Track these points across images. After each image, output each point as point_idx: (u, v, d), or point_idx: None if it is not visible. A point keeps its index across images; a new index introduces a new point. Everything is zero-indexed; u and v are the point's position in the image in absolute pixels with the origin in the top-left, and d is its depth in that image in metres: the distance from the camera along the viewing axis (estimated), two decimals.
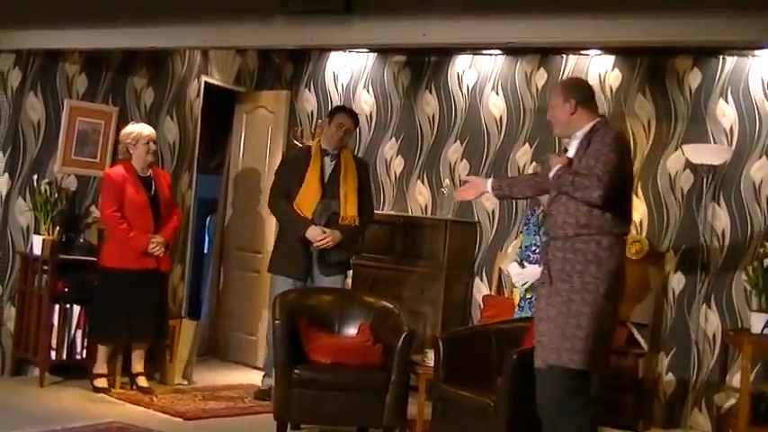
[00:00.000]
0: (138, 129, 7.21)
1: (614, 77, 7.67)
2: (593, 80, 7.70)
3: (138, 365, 7.26)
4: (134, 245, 7.01)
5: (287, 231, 7.23)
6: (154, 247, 7.05)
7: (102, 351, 7.16)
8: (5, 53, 7.27)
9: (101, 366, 7.15)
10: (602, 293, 4.86)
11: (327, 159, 7.21)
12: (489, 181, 5.48)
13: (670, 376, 7.28)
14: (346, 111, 7.40)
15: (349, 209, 7.13)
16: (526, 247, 6.58)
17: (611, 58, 7.69)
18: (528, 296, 6.47)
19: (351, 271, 7.62)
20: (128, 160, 7.18)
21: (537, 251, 6.39)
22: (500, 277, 7.84)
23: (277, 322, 6.19)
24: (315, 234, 6.99)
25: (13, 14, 6.92)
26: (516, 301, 6.71)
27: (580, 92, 5.10)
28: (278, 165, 7.60)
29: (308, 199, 7.09)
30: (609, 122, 5.19)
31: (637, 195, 7.44)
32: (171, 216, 7.31)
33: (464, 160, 8.22)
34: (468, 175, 7.46)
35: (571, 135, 5.13)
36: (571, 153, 5.07)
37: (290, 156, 7.67)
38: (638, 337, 7.15)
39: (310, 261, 7.09)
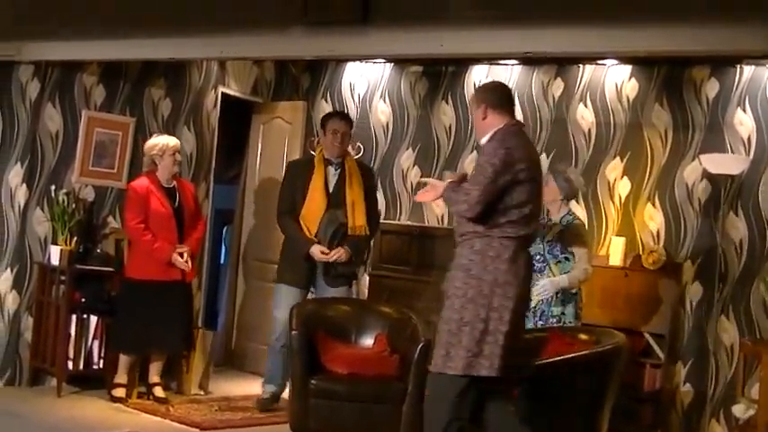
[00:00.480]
0: (165, 140, 7.26)
1: (631, 87, 7.66)
2: (610, 90, 7.71)
3: (155, 376, 7.29)
4: (158, 256, 7.05)
5: (292, 247, 7.19)
6: (183, 261, 7.10)
7: (123, 360, 7.19)
8: (24, 65, 7.32)
9: (121, 376, 7.18)
10: (469, 298, 4.83)
11: (331, 169, 7.18)
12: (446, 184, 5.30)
13: (687, 387, 7.24)
14: (337, 115, 7.42)
15: (357, 218, 7.10)
16: (533, 255, 6.57)
17: (627, 68, 7.67)
18: (533, 306, 6.44)
19: (357, 280, 7.61)
20: (152, 172, 7.22)
21: (542, 260, 6.38)
22: None
23: (294, 333, 6.20)
24: (317, 254, 6.98)
25: (31, 26, 6.97)
26: None
27: (492, 96, 5.09)
28: (283, 175, 7.58)
29: (313, 210, 7.07)
30: (518, 128, 5.12)
31: (654, 205, 7.43)
32: (196, 226, 7.35)
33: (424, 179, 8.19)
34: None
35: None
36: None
37: (293, 165, 7.59)
38: (655, 347, 7.13)
39: (314, 270, 7.08)
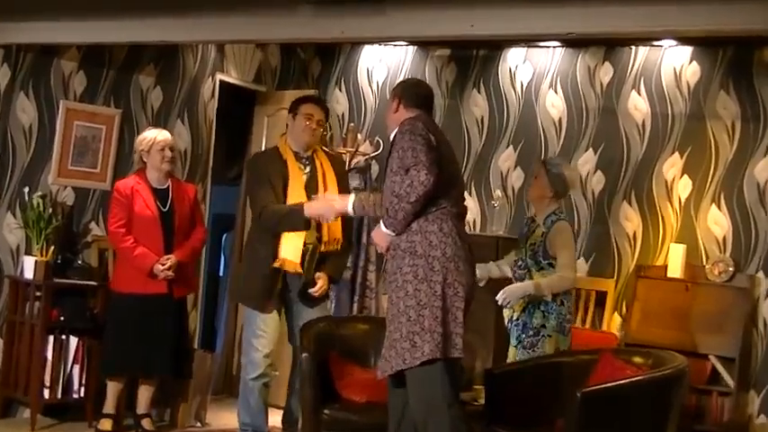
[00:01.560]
0: (153, 134, 7.23)
1: (692, 72, 7.64)
2: (667, 76, 7.69)
3: (143, 405, 7.27)
4: (139, 264, 7.00)
5: (262, 252, 6.53)
6: (164, 268, 7.04)
7: (111, 387, 7.18)
8: None
9: (109, 405, 7.17)
10: (422, 277, 5.20)
11: (300, 165, 6.63)
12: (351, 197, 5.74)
13: (762, 419, 7.21)
14: (311, 99, 7.01)
15: (333, 230, 6.55)
16: (514, 261, 6.60)
17: (688, 50, 7.65)
18: (515, 318, 6.45)
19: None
20: (142, 170, 7.22)
21: (523, 267, 6.45)
22: None
23: (304, 355, 6.18)
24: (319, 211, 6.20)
25: (0, 4, 6.98)
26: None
27: (408, 93, 5.59)
28: (248, 173, 6.93)
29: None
30: (427, 117, 5.51)
31: (719, 208, 7.41)
32: (190, 235, 7.28)
33: (518, 168, 8.22)
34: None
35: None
36: None
37: (260, 159, 6.88)
38: (724, 373, 7.09)
39: (286, 289, 6.60)
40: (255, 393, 6.66)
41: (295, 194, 6.49)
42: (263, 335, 6.60)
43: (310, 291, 6.58)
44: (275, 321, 6.66)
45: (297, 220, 6.35)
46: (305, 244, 6.49)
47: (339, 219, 6.44)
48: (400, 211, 5.19)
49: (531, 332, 6.37)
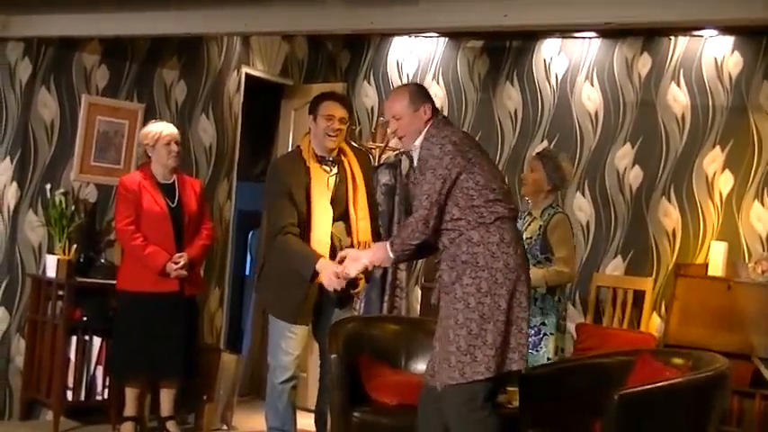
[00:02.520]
0: (158, 128, 7.20)
1: (734, 63, 7.59)
2: (708, 67, 7.65)
3: (166, 408, 7.28)
4: (150, 263, 6.98)
5: (292, 268, 6.29)
6: (177, 267, 7.03)
7: (129, 391, 7.21)
8: (13, 41, 7.37)
9: (129, 408, 7.20)
10: (485, 291, 5.14)
11: (326, 168, 6.41)
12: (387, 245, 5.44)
13: None
14: (333, 97, 6.60)
15: (362, 233, 6.43)
16: None
17: (729, 40, 7.61)
18: None
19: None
20: (147, 165, 7.21)
21: None
22: (597, 302, 7.79)
23: (333, 357, 6.18)
24: (330, 277, 5.99)
25: None
26: None
27: (427, 95, 5.49)
28: (268, 182, 6.61)
29: (323, 229, 6.32)
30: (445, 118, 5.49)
31: (762, 204, 7.36)
32: (199, 231, 7.29)
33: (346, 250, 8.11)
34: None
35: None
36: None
37: (283, 165, 6.57)
38: (767, 375, 7.05)
39: (320, 298, 6.39)
40: (284, 397, 6.59)
41: (319, 203, 6.33)
42: (292, 337, 6.50)
43: (353, 292, 6.52)
44: (299, 330, 6.52)
45: (306, 270, 6.18)
46: (340, 248, 6.29)
47: (368, 219, 6.48)
48: (419, 221, 5.22)
49: (531, 331, 6.36)
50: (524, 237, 6.44)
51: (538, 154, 6.85)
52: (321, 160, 6.41)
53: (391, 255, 5.36)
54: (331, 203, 6.36)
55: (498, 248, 5.16)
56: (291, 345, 6.51)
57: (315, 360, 7.36)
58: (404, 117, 5.36)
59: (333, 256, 6.12)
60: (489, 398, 5.19)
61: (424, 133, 5.33)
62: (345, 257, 5.65)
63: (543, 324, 6.43)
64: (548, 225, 6.47)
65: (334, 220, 6.37)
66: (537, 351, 6.39)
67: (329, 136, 6.35)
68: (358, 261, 5.52)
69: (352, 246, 6.31)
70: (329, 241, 6.32)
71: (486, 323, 5.11)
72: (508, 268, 5.15)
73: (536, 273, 6.33)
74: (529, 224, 6.54)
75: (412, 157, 5.55)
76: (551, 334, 6.41)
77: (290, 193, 6.26)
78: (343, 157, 6.48)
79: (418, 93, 5.47)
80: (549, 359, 6.40)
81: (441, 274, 5.31)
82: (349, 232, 6.44)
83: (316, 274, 6.13)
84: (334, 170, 6.44)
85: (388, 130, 5.50)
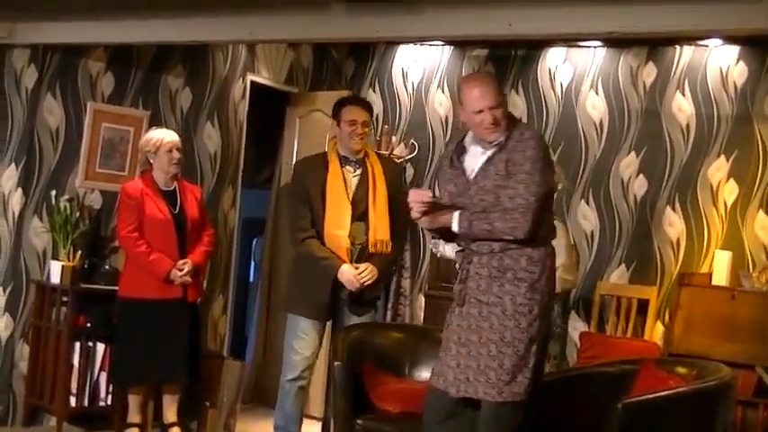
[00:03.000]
0: (160, 134, 7.20)
1: (739, 72, 7.59)
2: (713, 76, 7.65)
3: (170, 414, 7.28)
4: (155, 270, 6.99)
5: (314, 270, 6.63)
6: (182, 273, 7.04)
7: (132, 397, 7.22)
8: (19, 48, 7.39)
9: (133, 415, 7.20)
10: (536, 314, 5.01)
11: (350, 169, 6.68)
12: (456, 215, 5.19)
13: None
14: (353, 100, 6.95)
15: (379, 231, 6.61)
16: None
17: (734, 50, 7.61)
18: None
19: (380, 301, 7.49)
20: (148, 172, 7.21)
21: None
22: (600, 311, 7.79)
23: (337, 364, 6.18)
24: (352, 279, 6.49)
25: (28, 4, 7.02)
26: None
27: (502, 93, 5.24)
28: (291, 181, 7.10)
29: (338, 226, 6.57)
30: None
31: (767, 213, 7.36)
32: (201, 237, 7.29)
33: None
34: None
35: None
36: (478, 164, 5.11)
37: (303, 166, 6.91)
38: None
39: (337, 299, 6.65)
40: (291, 396, 6.75)
41: (335, 201, 6.56)
42: (304, 337, 6.69)
43: (355, 273, 6.52)
44: (318, 327, 6.72)
45: (326, 276, 6.54)
46: (353, 244, 6.57)
47: (387, 219, 6.62)
48: (485, 233, 5.00)
49: None
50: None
51: None
52: (345, 161, 6.67)
53: (457, 225, 5.08)
54: (352, 203, 6.57)
55: (552, 273, 5.11)
56: (302, 345, 6.69)
57: (321, 368, 7.39)
58: (501, 106, 5.08)
59: (357, 260, 6.52)
60: (520, 426, 5.08)
61: (518, 130, 5.07)
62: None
63: None
64: None
65: (355, 219, 6.57)
66: None
67: (354, 139, 6.62)
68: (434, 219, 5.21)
69: (367, 245, 6.54)
70: (346, 238, 6.53)
71: (533, 345, 5.00)
72: (551, 292, 5.12)
73: None
74: None
75: (453, 156, 5.25)
76: None
77: (307, 192, 6.61)
78: (367, 161, 6.71)
79: (494, 89, 5.16)
80: None
81: (480, 281, 5.08)
82: (367, 231, 6.58)
83: (337, 281, 6.50)
84: (358, 171, 6.68)
85: (486, 121, 5.03)
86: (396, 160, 7.73)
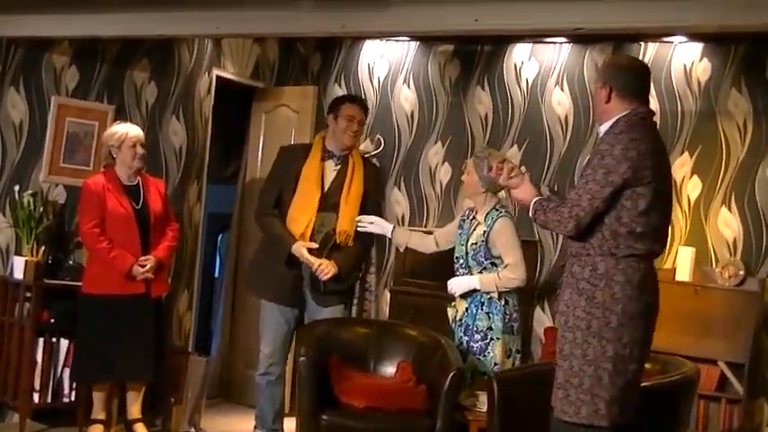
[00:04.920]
0: (124, 129, 7.16)
1: (703, 69, 7.63)
2: (677, 73, 7.68)
3: (134, 410, 7.25)
4: (117, 266, 6.95)
5: (272, 249, 6.92)
6: (144, 270, 7.00)
7: (96, 393, 7.17)
8: None
9: (98, 412, 7.16)
10: (594, 331, 4.69)
11: (331, 163, 6.93)
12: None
13: None
14: (352, 98, 7.20)
15: (343, 222, 6.82)
16: (456, 258, 6.67)
17: (699, 46, 7.64)
18: (459, 318, 6.58)
19: (361, 297, 7.55)
20: (111, 167, 7.16)
21: (464, 266, 6.54)
22: None
23: (302, 359, 6.19)
24: (303, 253, 6.70)
25: None
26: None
27: (622, 77, 4.85)
28: (273, 163, 7.27)
29: (302, 209, 6.81)
30: (647, 118, 4.86)
31: (730, 210, 7.40)
32: (165, 232, 7.26)
33: (522, 168, 8.18)
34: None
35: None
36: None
37: (285, 152, 7.21)
38: (733, 379, 7.08)
39: (300, 283, 6.84)
40: (262, 389, 6.97)
41: (304, 189, 6.83)
42: (269, 332, 6.89)
43: (308, 249, 6.71)
44: (282, 321, 6.85)
45: (282, 249, 6.80)
46: (316, 231, 6.78)
47: (352, 215, 6.85)
48: (571, 220, 4.73)
49: (477, 336, 6.43)
50: (470, 242, 6.49)
51: (475, 155, 6.80)
52: (328, 155, 6.94)
53: (531, 212, 4.93)
54: (326, 194, 6.83)
55: (621, 289, 4.66)
56: (266, 340, 6.94)
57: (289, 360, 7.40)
58: (594, 87, 4.93)
59: (323, 247, 6.76)
60: None
61: (611, 123, 4.78)
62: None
63: (490, 329, 6.43)
64: (491, 230, 6.46)
65: (326, 209, 6.80)
66: (484, 357, 6.41)
67: (348, 135, 6.88)
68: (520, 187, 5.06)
69: (334, 233, 6.79)
70: (308, 224, 6.76)
71: (587, 366, 4.67)
72: (626, 314, 4.64)
73: (488, 279, 6.41)
74: (474, 229, 6.54)
75: None
76: (497, 338, 6.40)
77: (281, 176, 6.93)
78: (350, 159, 6.96)
79: (611, 67, 4.93)
80: (496, 364, 6.39)
81: (564, 287, 4.88)
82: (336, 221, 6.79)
83: (291, 255, 6.73)
84: (339, 166, 6.93)
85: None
86: (377, 164, 7.91)
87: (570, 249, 4.89)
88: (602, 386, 4.65)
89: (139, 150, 7.13)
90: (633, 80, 4.85)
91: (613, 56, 5.51)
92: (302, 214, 6.78)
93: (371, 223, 6.87)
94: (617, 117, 4.79)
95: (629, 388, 4.69)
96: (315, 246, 6.74)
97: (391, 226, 6.95)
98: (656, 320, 4.83)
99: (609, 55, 7.94)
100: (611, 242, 4.68)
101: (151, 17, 6.60)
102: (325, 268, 6.70)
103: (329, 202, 6.83)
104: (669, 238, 7.44)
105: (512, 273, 6.39)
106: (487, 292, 6.42)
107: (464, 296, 6.53)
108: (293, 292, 6.84)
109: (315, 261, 6.70)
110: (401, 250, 6.96)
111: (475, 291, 6.46)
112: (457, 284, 6.54)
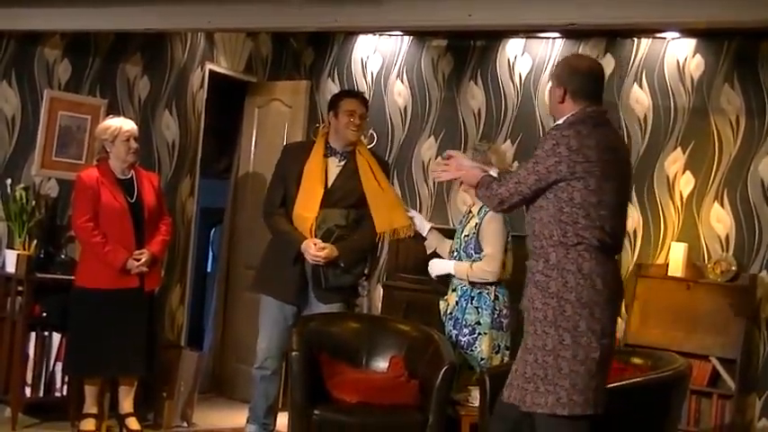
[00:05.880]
0: (117, 123, 7.15)
1: (696, 65, 7.63)
2: (670, 68, 7.68)
3: (126, 405, 7.23)
4: (111, 260, 6.95)
5: (280, 247, 6.90)
6: (139, 264, 7.00)
7: (88, 388, 7.16)
8: None
9: (90, 406, 7.15)
10: (551, 321, 4.80)
11: (334, 159, 6.89)
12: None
13: (764, 422, 7.21)
14: (352, 93, 7.19)
15: (397, 218, 6.87)
16: (451, 251, 6.73)
17: (691, 42, 7.64)
18: (449, 311, 6.60)
19: (364, 295, 7.55)
20: (104, 160, 7.15)
21: (456, 258, 6.60)
22: None
23: (294, 354, 6.18)
24: (311, 250, 6.66)
25: None
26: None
27: (578, 80, 4.98)
28: (276, 162, 7.20)
29: (306, 208, 6.78)
30: (598, 115, 4.97)
31: (722, 206, 7.40)
32: (158, 226, 7.26)
33: (515, 163, 8.20)
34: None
35: None
36: None
37: (289, 150, 7.26)
38: (725, 375, 7.09)
39: (304, 281, 6.81)
40: (256, 382, 6.94)
41: (308, 187, 6.77)
42: (267, 327, 6.88)
43: (315, 244, 6.66)
44: (281, 318, 6.82)
45: (291, 248, 6.74)
46: (318, 227, 6.72)
47: (401, 203, 7.07)
48: (496, 196, 4.99)
49: (466, 330, 6.45)
50: (463, 235, 6.51)
51: (473, 148, 6.81)
52: (331, 152, 6.89)
53: (476, 189, 5.16)
54: (329, 191, 6.76)
55: (573, 278, 4.77)
56: (263, 334, 6.92)
57: None
58: (551, 84, 5.13)
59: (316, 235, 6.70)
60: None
61: (561, 120, 4.94)
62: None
63: (478, 323, 6.44)
64: (482, 222, 6.47)
65: (329, 206, 6.73)
66: (472, 351, 6.42)
67: (350, 130, 6.82)
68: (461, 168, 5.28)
69: (336, 229, 6.73)
70: (312, 220, 6.70)
71: (548, 356, 4.77)
72: (580, 303, 4.75)
73: (462, 267, 6.47)
74: (468, 221, 6.56)
75: None
76: (485, 333, 6.41)
77: (285, 175, 6.89)
78: (358, 153, 6.92)
79: (567, 69, 5.04)
80: (482, 359, 6.40)
81: (527, 282, 5.00)
82: (348, 220, 6.78)
83: (300, 254, 6.68)
84: (342, 162, 6.87)
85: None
86: (383, 157, 7.88)
87: (528, 246, 5.00)
88: (562, 375, 4.74)
89: (133, 144, 7.12)
90: (588, 83, 4.99)
91: (571, 56, 5.56)
92: (307, 211, 6.75)
93: (413, 217, 6.89)
94: (567, 115, 4.94)
95: (592, 377, 4.75)
96: (321, 243, 6.69)
97: (429, 225, 6.94)
98: (617, 310, 4.95)
99: (601, 50, 7.95)
100: (559, 232, 4.81)
101: (144, 11, 6.58)
102: (327, 252, 6.65)
103: (332, 199, 6.77)
104: (662, 235, 7.51)
105: (486, 265, 6.39)
106: (479, 287, 6.42)
107: (455, 289, 6.54)
108: (297, 289, 6.80)
109: (317, 253, 6.65)
110: (428, 252, 6.92)
111: (472, 284, 6.46)
112: (435, 265, 6.65)
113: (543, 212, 4.86)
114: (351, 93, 7.25)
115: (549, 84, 5.19)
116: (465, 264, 6.47)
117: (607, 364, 4.85)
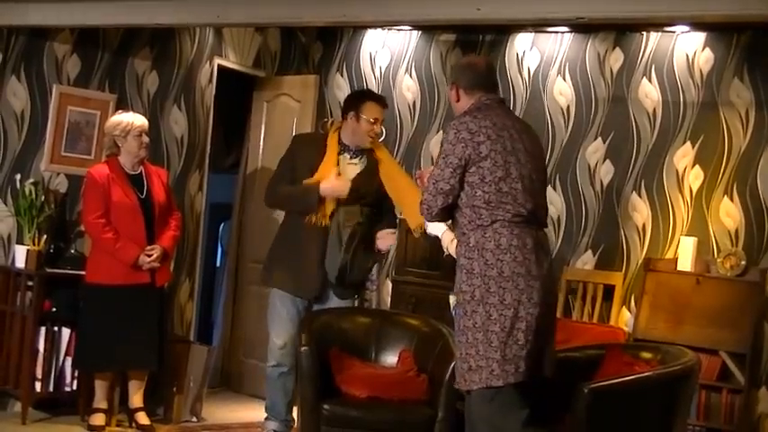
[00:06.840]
0: (129, 118, 7.17)
1: (705, 59, 7.61)
2: (679, 63, 7.66)
3: (136, 399, 7.27)
4: (122, 256, 6.98)
5: (292, 234, 6.79)
6: (151, 259, 7.02)
7: (98, 383, 7.18)
8: None
9: (100, 400, 7.17)
10: (478, 299, 4.99)
11: (346, 156, 6.80)
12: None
13: None
14: (375, 98, 6.95)
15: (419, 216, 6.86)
16: None
17: (701, 36, 7.63)
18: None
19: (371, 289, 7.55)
20: (114, 156, 7.17)
21: None
22: (567, 296, 7.80)
23: (303, 349, 6.18)
24: (338, 187, 6.59)
25: None
26: None
27: (466, 76, 5.29)
28: (286, 150, 7.08)
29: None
30: (491, 102, 5.24)
31: (732, 200, 7.39)
32: (168, 221, 7.28)
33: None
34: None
35: None
36: None
37: (300, 140, 7.19)
38: (734, 369, 7.08)
39: (325, 277, 6.72)
40: (273, 380, 6.88)
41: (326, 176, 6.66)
42: (281, 323, 6.80)
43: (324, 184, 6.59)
44: (294, 312, 6.77)
45: (311, 197, 6.61)
46: (348, 226, 6.65)
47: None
48: (423, 204, 5.17)
49: None
50: None
51: None
52: (344, 149, 6.79)
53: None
54: (351, 189, 6.62)
55: (492, 255, 4.97)
56: (277, 332, 6.84)
57: None
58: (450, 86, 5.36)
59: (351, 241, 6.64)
60: (503, 415, 5.00)
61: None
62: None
63: None
64: None
65: (349, 202, 6.65)
66: None
67: (370, 137, 6.73)
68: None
69: (359, 226, 6.67)
70: (331, 210, 6.63)
71: (478, 332, 4.96)
72: (502, 276, 4.94)
73: (447, 236, 6.31)
74: None
75: None
76: None
77: (295, 166, 6.78)
78: (374, 151, 6.82)
79: (456, 69, 5.45)
80: None
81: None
82: (364, 216, 6.72)
83: (321, 198, 6.59)
84: (356, 159, 6.79)
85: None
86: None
87: (458, 230, 5.20)
88: (492, 348, 4.92)
89: (145, 140, 7.16)
90: (475, 76, 5.28)
91: (460, 58, 5.84)
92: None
93: None
94: (465, 109, 5.22)
95: (521, 347, 4.93)
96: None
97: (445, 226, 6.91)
98: (544, 278, 5.05)
99: (610, 44, 7.94)
100: (474, 215, 5.04)
101: (152, 6, 6.59)
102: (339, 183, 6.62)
103: (352, 197, 6.67)
104: (671, 229, 7.49)
105: None
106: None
107: None
108: (320, 286, 6.74)
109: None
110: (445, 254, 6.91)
111: None
112: (432, 226, 6.55)
113: (459, 202, 5.08)
114: (374, 96, 7.00)
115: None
116: (450, 234, 6.38)
117: (540, 332, 5.00)
